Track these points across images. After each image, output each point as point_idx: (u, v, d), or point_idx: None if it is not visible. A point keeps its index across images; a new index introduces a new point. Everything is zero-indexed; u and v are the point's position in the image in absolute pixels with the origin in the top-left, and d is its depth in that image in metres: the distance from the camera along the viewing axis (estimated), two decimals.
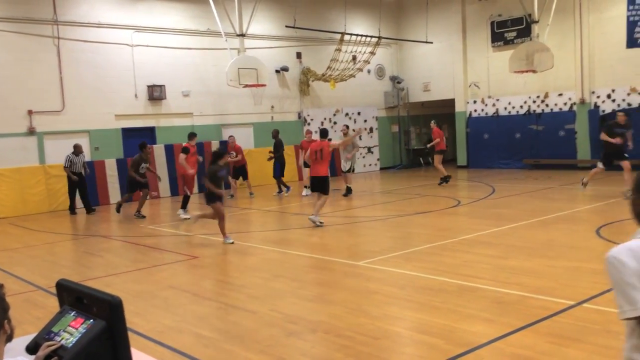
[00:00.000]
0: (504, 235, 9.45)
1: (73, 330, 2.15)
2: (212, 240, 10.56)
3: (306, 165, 15.36)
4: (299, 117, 21.67)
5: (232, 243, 9.98)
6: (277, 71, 20.71)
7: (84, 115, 16.72)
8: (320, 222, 11.20)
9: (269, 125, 20.54)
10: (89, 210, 15.13)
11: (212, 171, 10.03)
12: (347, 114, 22.92)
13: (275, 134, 17.25)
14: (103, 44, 17.09)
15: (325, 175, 11.48)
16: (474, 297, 6.23)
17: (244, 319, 5.98)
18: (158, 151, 17.79)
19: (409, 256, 8.44)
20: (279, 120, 21.01)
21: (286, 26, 19.44)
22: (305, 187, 16.11)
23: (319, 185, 11.57)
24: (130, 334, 2.18)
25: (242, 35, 17.51)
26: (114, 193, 16.88)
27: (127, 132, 17.66)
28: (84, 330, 2.12)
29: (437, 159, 17.24)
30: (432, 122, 17.42)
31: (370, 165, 23.67)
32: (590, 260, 7.61)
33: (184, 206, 13.60)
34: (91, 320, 2.14)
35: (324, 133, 12.03)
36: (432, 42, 22.56)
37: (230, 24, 17.45)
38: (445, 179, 16.99)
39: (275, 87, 20.75)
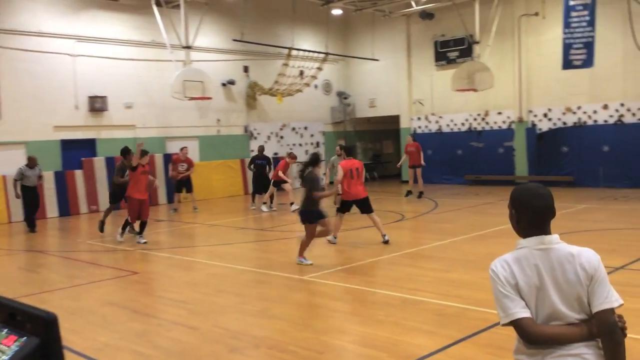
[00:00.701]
0: (446, 249, 9.64)
1: (5, 349, 2.06)
2: (153, 255, 10.34)
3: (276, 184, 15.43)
4: (246, 130, 21.58)
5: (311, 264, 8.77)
6: (223, 84, 20.59)
7: (22, 126, 16.12)
8: (386, 239, 10.25)
9: (215, 139, 20.35)
10: (32, 228, 13.76)
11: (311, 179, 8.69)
12: (294, 129, 22.99)
13: (261, 150, 16.93)
14: (44, 54, 16.58)
15: (367, 195, 10.57)
16: (416, 310, 6.32)
17: (185, 335, 5.87)
18: (98, 164, 17.34)
19: (354, 270, 8.50)
20: (225, 133, 20.86)
21: (233, 40, 19.39)
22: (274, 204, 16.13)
23: (365, 206, 10.48)
24: (66, 352, 2.11)
25: (188, 47, 17.35)
26: (52, 207, 16.29)
27: (67, 144, 17.12)
28: (17, 349, 2.04)
29: (418, 173, 17.51)
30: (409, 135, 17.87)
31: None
32: None
33: (124, 228, 11.63)
34: (24, 338, 2.06)
35: (350, 151, 11.16)
36: (378, 60, 22.97)
37: (175, 36, 17.26)
38: (416, 194, 17.39)
39: (222, 100, 20.60)
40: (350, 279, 7.92)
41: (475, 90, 18.63)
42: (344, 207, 10.48)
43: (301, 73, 20.84)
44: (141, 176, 11.08)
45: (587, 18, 15.61)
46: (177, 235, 12.52)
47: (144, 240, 11.18)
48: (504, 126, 20.68)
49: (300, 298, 7.12)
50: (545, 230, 2.44)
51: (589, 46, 15.68)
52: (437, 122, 22.45)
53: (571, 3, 15.67)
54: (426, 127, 22.78)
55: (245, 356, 5.25)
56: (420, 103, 22.78)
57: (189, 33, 17.26)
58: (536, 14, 18.94)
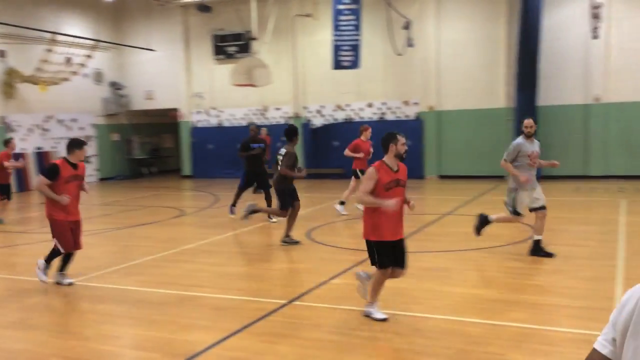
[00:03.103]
0: (226, 243, 9.63)
1: None
2: None
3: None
4: (2, 123, 19.22)
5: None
6: None
7: None
8: None
9: None
10: None
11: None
12: (60, 121, 21.08)
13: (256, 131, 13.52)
14: None
15: None
16: (193, 306, 6.18)
17: None
18: None
19: (128, 270, 8.04)
20: None
21: None
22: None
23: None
24: None
25: None
26: None
27: None
28: None
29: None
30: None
31: (88, 176, 22.09)
32: (301, 261, 8.19)
33: None
34: None
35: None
36: (154, 50, 22.13)
37: None
38: None
39: None
40: (124, 280, 7.46)
41: (254, 85, 18.95)
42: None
43: (68, 60, 19.18)
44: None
45: (354, 22, 16.83)
46: None
47: None
48: (282, 121, 21.41)
49: (65, 305, 6.51)
50: None
51: (356, 49, 16.94)
52: (217, 116, 22.42)
53: (340, 7, 16.75)
54: (206, 121, 22.62)
55: None
56: (200, 96, 22.53)
57: None
58: (309, 15, 19.89)
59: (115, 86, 23.33)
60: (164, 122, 24.55)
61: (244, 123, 21.95)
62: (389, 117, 19.76)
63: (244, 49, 21.01)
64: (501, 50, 18.00)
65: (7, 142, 12.85)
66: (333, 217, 11.85)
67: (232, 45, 21.57)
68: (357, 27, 16.82)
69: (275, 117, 21.53)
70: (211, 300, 6.34)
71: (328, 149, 20.70)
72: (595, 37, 15.52)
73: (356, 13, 16.80)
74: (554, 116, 16.66)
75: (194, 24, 22.39)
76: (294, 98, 21.01)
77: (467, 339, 4.92)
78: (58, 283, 7.13)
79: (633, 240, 8.52)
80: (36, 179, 6.77)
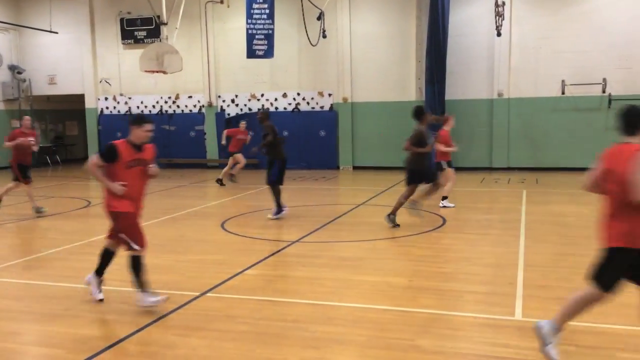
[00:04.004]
0: None
1: None
2: None
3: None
4: None
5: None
6: None
7: None
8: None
9: None
10: None
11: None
12: None
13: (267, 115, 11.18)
14: None
15: None
16: (102, 300, 5.94)
17: None
18: None
19: (30, 264, 7.62)
20: None
21: None
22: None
23: None
24: None
25: None
26: None
27: None
28: None
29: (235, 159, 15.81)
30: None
31: None
32: (215, 252, 8.08)
33: None
34: None
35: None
36: (57, 33, 20.98)
37: None
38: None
39: None
40: (25, 274, 7.08)
41: (164, 72, 18.40)
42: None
43: None
44: None
45: (267, 11, 16.72)
46: None
47: None
48: (195, 110, 20.98)
49: None
50: None
51: (270, 38, 16.84)
52: (126, 103, 21.62)
53: None
54: (115, 107, 21.76)
55: None
56: (107, 82, 21.63)
57: None
58: (221, 2, 19.53)
59: (14, 70, 21.95)
60: (69, 108, 23.41)
61: (154, 110, 21.32)
62: (304, 107, 19.83)
63: (154, 34, 20.38)
64: (412, 44, 18.49)
65: (20, 120, 12.01)
66: (247, 207, 11.78)
67: (140, 30, 20.86)
68: (270, 16, 16.72)
69: (188, 105, 21.05)
70: (120, 294, 6.13)
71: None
72: (498, 34, 16.27)
73: (269, 2, 16.69)
74: (461, 110, 17.31)
75: (99, 6, 21.44)
76: (207, 86, 20.61)
77: (378, 326, 5.05)
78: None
79: (532, 228, 9.04)
80: (90, 158, 5.74)
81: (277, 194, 10.43)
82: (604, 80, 16.74)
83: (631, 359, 4.27)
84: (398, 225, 9.25)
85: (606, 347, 4.47)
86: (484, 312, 5.37)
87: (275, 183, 10.41)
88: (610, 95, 16.72)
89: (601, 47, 16.83)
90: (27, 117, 11.99)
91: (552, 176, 16.02)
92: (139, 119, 5.88)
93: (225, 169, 15.77)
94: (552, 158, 17.47)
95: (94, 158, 5.65)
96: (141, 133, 5.83)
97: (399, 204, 9.29)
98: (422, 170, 9.34)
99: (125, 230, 5.63)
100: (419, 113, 9.76)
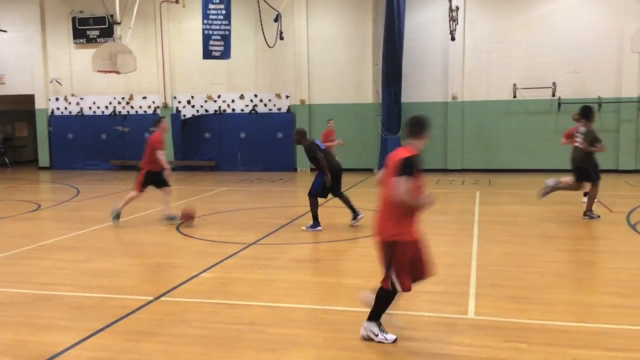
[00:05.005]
0: (87, 238, 9.10)
1: None
2: None
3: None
4: None
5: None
6: None
7: None
8: None
9: None
10: None
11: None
12: None
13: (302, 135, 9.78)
14: None
15: None
16: (50, 306, 5.77)
17: None
18: None
19: None
20: None
21: None
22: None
23: None
24: None
25: None
26: None
27: None
28: None
29: None
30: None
31: None
32: (170, 255, 7.95)
33: None
34: None
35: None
36: (6, 31, 20.35)
37: None
38: None
39: None
40: None
41: (117, 72, 18.03)
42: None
43: None
44: None
45: (224, 12, 16.55)
46: None
47: None
48: (150, 111, 20.63)
49: None
50: None
51: (226, 39, 16.68)
52: (78, 103, 21.11)
53: None
54: (66, 108, 21.22)
55: None
56: (59, 82, 21.07)
57: None
58: (176, 2, 19.29)
59: None
60: (18, 109, 22.72)
61: (107, 112, 20.89)
62: (261, 109, 19.74)
63: (107, 33, 19.98)
64: (368, 47, 18.64)
65: (158, 122, 10.55)
66: (205, 210, 11.64)
67: (93, 29, 20.42)
68: (227, 17, 16.57)
69: (143, 106, 20.69)
70: (70, 299, 5.96)
71: (200, 141, 20.27)
72: (452, 39, 16.56)
73: (225, 2, 16.53)
74: (416, 112, 17.47)
75: (50, 5, 20.90)
76: (162, 87, 20.30)
77: (335, 327, 5.05)
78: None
79: (485, 229, 9.22)
80: (400, 182, 4.37)
81: (312, 207, 9.41)
82: (554, 84, 17.24)
83: (581, 355, 4.38)
84: (598, 216, 9.87)
85: (557, 344, 4.58)
86: (439, 311, 5.44)
87: (312, 195, 9.39)
88: (559, 98, 17.23)
89: (551, 52, 17.34)
90: (164, 118, 10.94)
91: (504, 177, 16.38)
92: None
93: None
94: (504, 160, 17.87)
95: (406, 179, 4.43)
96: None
97: (592, 200, 9.93)
98: (590, 167, 9.76)
99: (398, 265, 4.57)
100: (588, 113, 9.87)
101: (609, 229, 9.20)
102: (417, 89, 18.25)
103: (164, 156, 10.24)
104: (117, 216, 10.10)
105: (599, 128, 17.22)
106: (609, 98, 16.98)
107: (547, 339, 4.70)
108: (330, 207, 10.76)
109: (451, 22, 16.09)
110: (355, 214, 9.58)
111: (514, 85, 17.50)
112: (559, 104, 17.21)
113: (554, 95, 17.31)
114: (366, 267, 7.31)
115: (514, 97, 17.61)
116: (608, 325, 4.97)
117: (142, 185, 10.25)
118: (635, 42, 12.78)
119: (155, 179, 10.29)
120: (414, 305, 5.70)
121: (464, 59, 17.93)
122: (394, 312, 4.94)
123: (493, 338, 4.70)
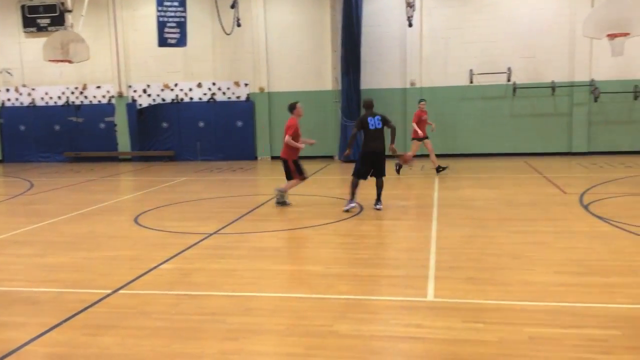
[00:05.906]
0: (42, 232, 8.87)
1: None
2: None
3: None
4: None
5: None
6: None
7: None
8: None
9: None
10: None
11: None
12: None
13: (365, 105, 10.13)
14: None
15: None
16: (4, 302, 5.61)
17: None
18: None
19: None
20: None
21: None
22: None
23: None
24: None
25: None
26: None
27: None
28: None
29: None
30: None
31: None
32: (128, 248, 7.82)
33: None
34: None
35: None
36: None
37: None
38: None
39: None
40: None
41: (70, 61, 17.53)
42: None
43: None
44: None
45: None
46: None
47: None
48: (104, 101, 20.17)
49: None
50: None
51: (182, 26, 16.41)
52: (29, 94, 20.49)
53: None
54: (17, 99, 20.58)
55: None
56: (9, 73, 20.39)
57: None
58: None
59: None
60: None
61: (60, 102, 20.34)
62: (220, 97, 19.52)
63: (58, 21, 19.40)
64: (327, 34, 18.60)
65: (293, 108, 10.40)
66: (162, 201, 11.47)
67: (44, 18, 19.80)
68: (182, 4, 16.29)
69: (97, 96, 20.22)
70: (25, 294, 5.81)
71: (157, 131, 19.94)
72: (410, 25, 16.65)
73: None
74: (376, 99, 17.52)
75: None
76: (116, 76, 19.86)
77: (296, 314, 5.06)
78: None
79: (444, 213, 9.36)
80: None
81: (352, 186, 9.73)
82: (509, 69, 17.54)
83: (536, 333, 4.50)
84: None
85: (513, 323, 4.69)
86: (399, 294, 5.51)
87: (354, 175, 9.74)
88: (514, 83, 17.55)
89: (506, 38, 17.62)
90: (299, 103, 10.54)
91: (463, 162, 16.64)
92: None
93: (432, 157, 14.56)
94: (463, 144, 18.15)
95: None
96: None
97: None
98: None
99: None
100: None
101: (563, 210, 9.45)
102: (376, 76, 18.32)
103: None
104: (282, 198, 10.28)
105: (553, 112, 17.80)
106: (563, 82, 17.39)
107: (503, 318, 4.81)
108: (290, 195, 10.73)
109: (408, 8, 16.17)
110: (378, 200, 9.82)
111: (471, 70, 17.74)
112: (514, 89, 17.54)
113: (509, 80, 17.62)
114: (326, 254, 7.34)
115: (471, 82, 17.85)
116: (562, 303, 5.12)
117: (299, 173, 10.31)
118: (587, 27, 13.10)
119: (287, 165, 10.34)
120: (375, 290, 5.76)
121: (422, 46, 18.07)
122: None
123: (451, 319, 4.78)
